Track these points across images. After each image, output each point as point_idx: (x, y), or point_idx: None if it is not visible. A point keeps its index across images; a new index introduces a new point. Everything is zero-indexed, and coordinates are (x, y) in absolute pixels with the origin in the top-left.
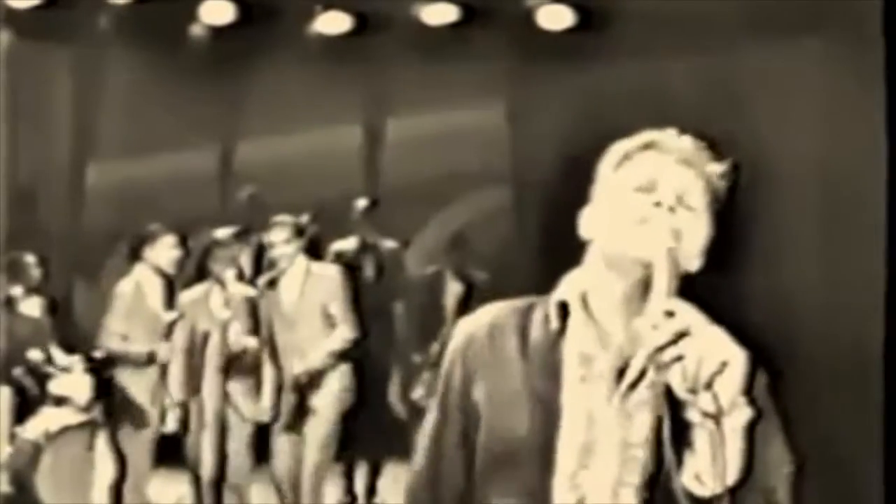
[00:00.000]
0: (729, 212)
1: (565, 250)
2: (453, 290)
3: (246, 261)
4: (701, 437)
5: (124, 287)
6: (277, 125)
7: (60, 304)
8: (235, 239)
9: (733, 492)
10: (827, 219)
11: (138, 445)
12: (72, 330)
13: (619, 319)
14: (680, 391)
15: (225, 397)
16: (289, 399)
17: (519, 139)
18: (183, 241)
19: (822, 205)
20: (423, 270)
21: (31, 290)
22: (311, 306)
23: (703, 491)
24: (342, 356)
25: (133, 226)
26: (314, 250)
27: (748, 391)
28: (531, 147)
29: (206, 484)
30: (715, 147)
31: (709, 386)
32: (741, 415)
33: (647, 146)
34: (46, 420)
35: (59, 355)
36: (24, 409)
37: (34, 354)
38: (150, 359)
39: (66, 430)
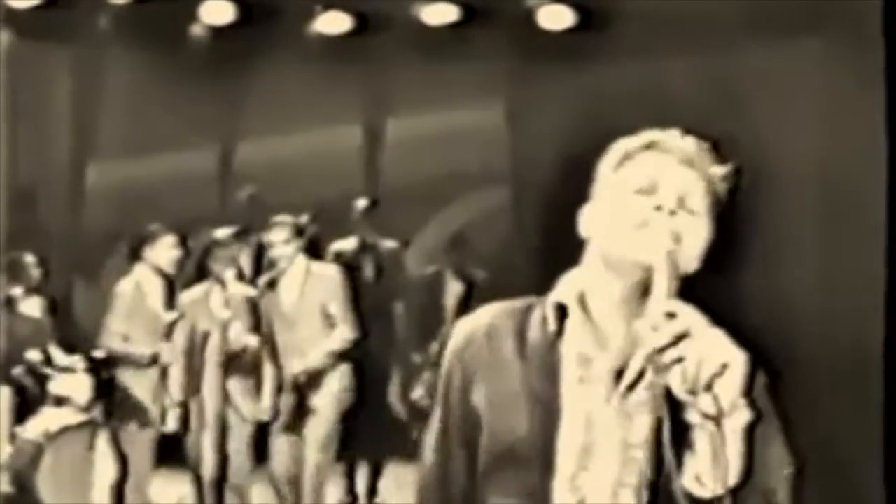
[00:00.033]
0: (728, 212)
1: (565, 250)
2: (453, 290)
3: (246, 261)
4: (701, 438)
5: (124, 287)
6: (277, 125)
7: (60, 304)
8: (235, 239)
9: (734, 493)
10: (827, 219)
11: (139, 445)
12: (72, 330)
13: (617, 320)
14: (680, 393)
15: (225, 397)
16: (288, 399)
17: (519, 139)
18: (183, 241)
19: (822, 205)
20: (423, 270)
21: (31, 290)
22: (311, 306)
23: (704, 492)
24: (342, 356)
25: (133, 226)
26: (314, 250)
27: (748, 393)
28: (531, 147)
29: (207, 484)
30: (717, 149)
31: (709, 387)
32: (741, 416)
33: (649, 146)
34: (47, 420)
35: (59, 355)
36: (24, 409)
37: (34, 355)
38: (153, 360)
39: (66, 430)
